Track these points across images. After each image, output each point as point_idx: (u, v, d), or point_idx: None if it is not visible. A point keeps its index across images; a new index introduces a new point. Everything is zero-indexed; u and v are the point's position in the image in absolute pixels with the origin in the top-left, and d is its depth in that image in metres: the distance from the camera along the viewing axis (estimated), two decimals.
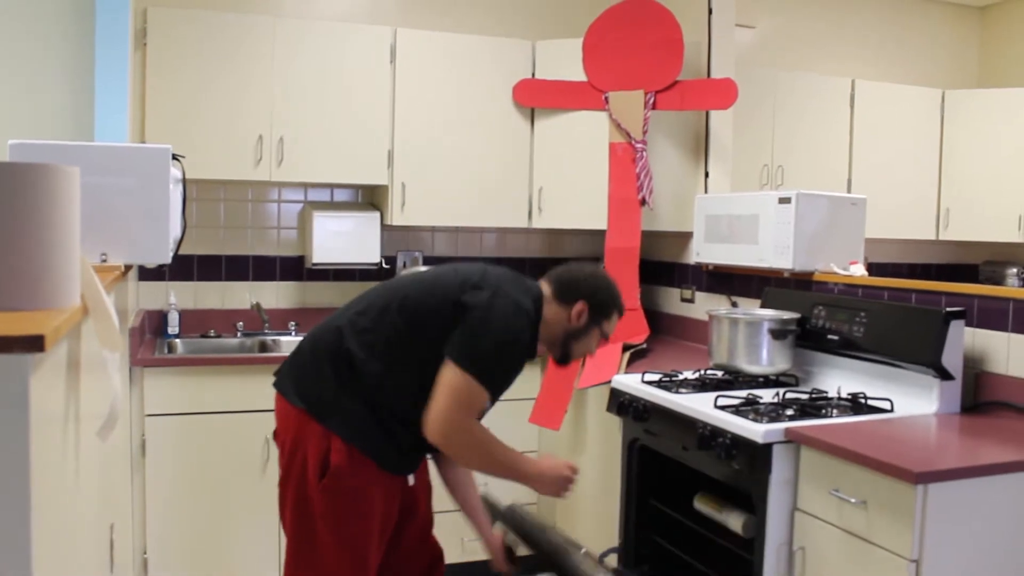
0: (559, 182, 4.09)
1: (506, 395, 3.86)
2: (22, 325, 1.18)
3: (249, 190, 4.14)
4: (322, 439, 2.18)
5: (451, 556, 2.70)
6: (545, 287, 2.36)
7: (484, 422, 2.23)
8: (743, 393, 2.82)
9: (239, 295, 4.14)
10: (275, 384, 2.33)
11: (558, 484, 2.34)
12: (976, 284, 2.94)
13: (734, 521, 2.56)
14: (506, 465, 2.25)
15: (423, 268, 3.50)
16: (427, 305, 2.22)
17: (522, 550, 2.53)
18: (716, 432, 2.56)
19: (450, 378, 2.12)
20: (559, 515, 3.78)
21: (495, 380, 2.17)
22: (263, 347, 4.00)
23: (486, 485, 2.67)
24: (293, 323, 4.13)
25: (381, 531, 2.26)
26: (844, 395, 2.81)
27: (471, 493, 2.58)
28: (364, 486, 2.20)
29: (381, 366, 2.20)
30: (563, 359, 2.40)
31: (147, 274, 3.95)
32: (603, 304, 2.35)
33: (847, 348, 2.91)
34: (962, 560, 2.11)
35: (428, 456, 2.45)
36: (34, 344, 1.13)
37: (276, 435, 2.33)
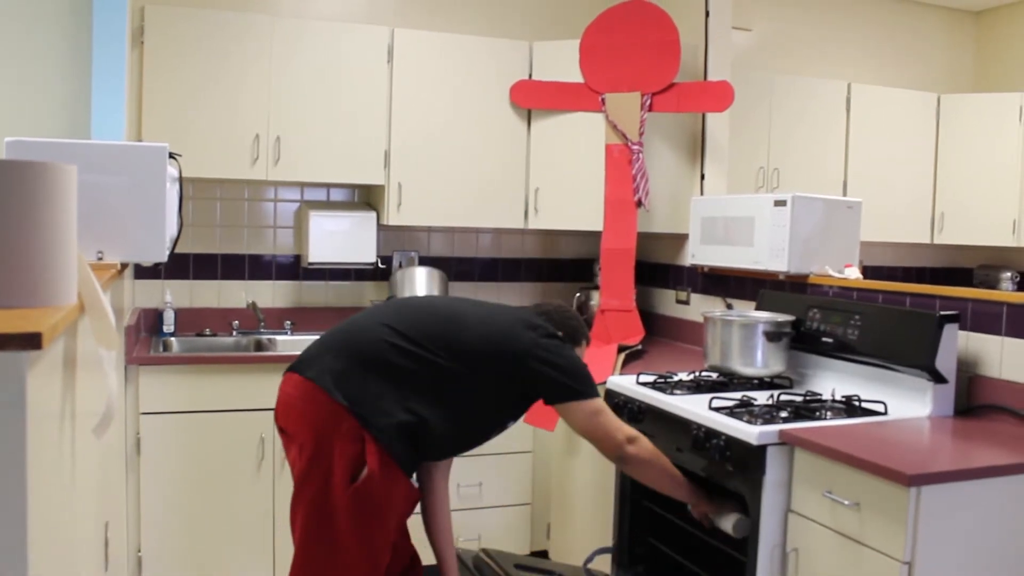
0: (555, 183, 4.10)
1: None
2: (19, 323, 1.18)
3: (245, 189, 4.14)
4: (355, 441, 2.18)
5: (433, 558, 2.71)
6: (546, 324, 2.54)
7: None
8: (738, 395, 2.82)
9: (235, 294, 4.14)
10: (312, 377, 2.27)
11: (700, 510, 2.63)
12: (970, 288, 2.94)
13: (724, 522, 2.56)
14: (676, 479, 2.55)
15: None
16: (487, 353, 2.37)
17: None
18: (710, 434, 2.57)
19: (585, 414, 2.42)
20: (554, 516, 3.79)
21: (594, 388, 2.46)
22: (259, 346, 4.00)
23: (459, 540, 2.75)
24: (289, 322, 4.13)
25: (395, 533, 2.29)
26: (838, 397, 2.82)
27: (444, 518, 2.68)
28: (393, 490, 2.22)
29: (431, 391, 2.31)
30: None
31: (143, 272, 3.95)
32: (574, 329, 2.65)
33: (841, 351, 2.91)
34: (954, 562, 2.12)
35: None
36: (31, 342, 1.13)
37: (289, 431, 2.28)
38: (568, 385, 2.39)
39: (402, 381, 2.26)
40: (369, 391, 2.22)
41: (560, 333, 2.51)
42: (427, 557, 2.67)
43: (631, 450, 2.44)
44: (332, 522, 2.19)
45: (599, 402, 2.43)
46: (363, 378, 2.24)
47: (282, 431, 2.32)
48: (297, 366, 2.32)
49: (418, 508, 2.53)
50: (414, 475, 2.41)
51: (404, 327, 2.32)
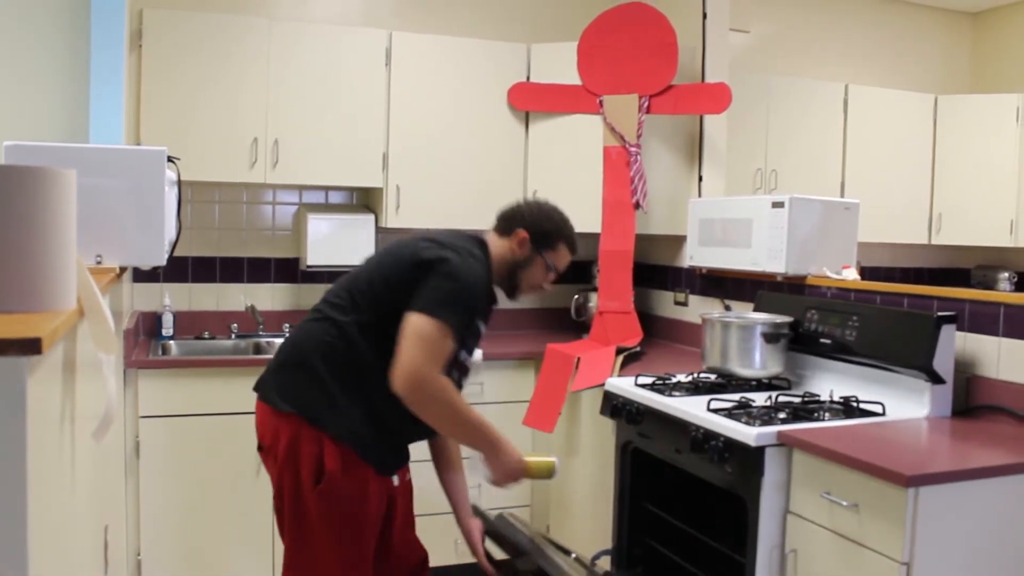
0: (553, 185, 4.10)
1: (500, 397, 3.89)
2: (19, 327, 1.18)
3: (244, 192, 4.15)
4: (314, 442, 2.16)
5: (444, 559, 2.70)
6: (491, 231, 2.40)
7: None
8: (736, 396, 2.83)
9: (233, 297, 4.14)
10: (258, 394, 2.29)
11: (509, 472, 2.30)
12: (968, 288, 2.95)
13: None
14: (472, 425, 2.20)
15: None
16: (394, 277, 2.20)
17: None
18: (709, 435, 2.57)
19: (415, 325, 2.07)
20: (553, 517, 3.79)
21: (460, 321, 2.12)
22: (257, 349, 4.00)
23: (479, 486, 2.66)
24: (287, 325, 4.13)
25: (373, 531, 2.27)
26: (836, 398, 2.82)
27: (459, 480, 2.57)
28: (359, 487, 2.19)
29: (370, 349, 2.19)
30: (511, 292, 2.43)
31: (141, 275, 3.95)
32: (546, 233, 2.38)
33: (839, 352, 2.92)
34: (953, 562, 2.13)
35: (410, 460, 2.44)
36: (31, 347, 1.13)
37: (264, 448, 2.28)
38: (427, 298, 2.11)
39: (340, 366, 2.19)
40: (313, 389, 2.19)
41: (475, 251, 2.26)
42: (445, 558, 2.65)
43: (417, 394, 2.08)
44: (308, 526, 2.19)
45: (438, 330, 2.07)
46: (307, 377, 2.21)
47: (259, 448, 2.32)
48: (256, 386, 2.33)
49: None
50: (396, 470, 2.32)
51: (333, 295, 2.29)
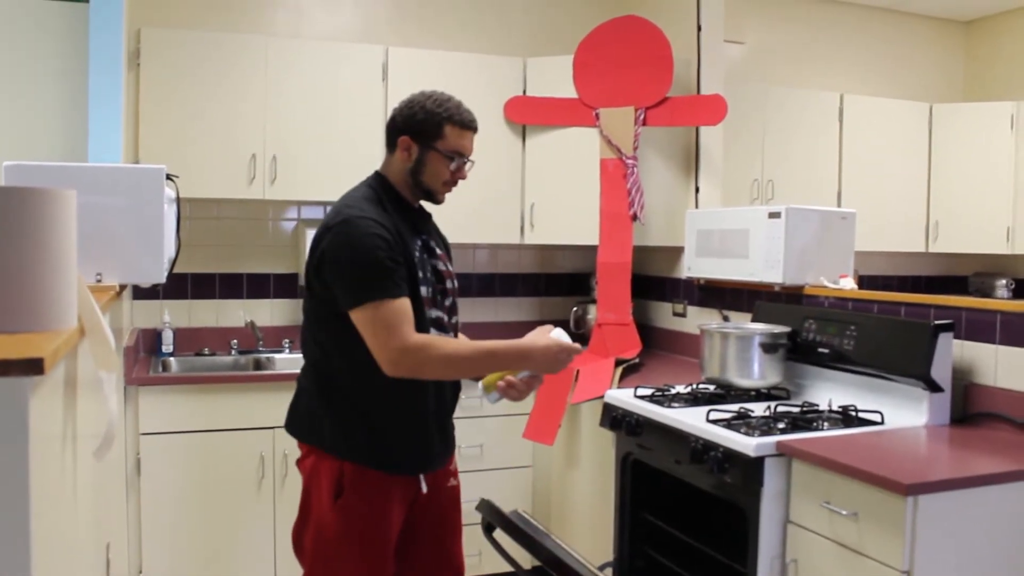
0: (551, 198, 4.12)
1: (500, 411, 3.88)
2: (21, 348, 1.19)
3: (243, 208, 4.16)
4: (326, 460, 2.14)
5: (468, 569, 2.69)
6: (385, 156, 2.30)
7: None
8: (735, 407, 2.84)
9: (233, 313, 4.15)
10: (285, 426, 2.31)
11: (553, 357, 2.14)
12: (965, 296, 2.96)
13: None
14: (481, 354, 2.10)
15: None
16: (309, 281, 2.16)
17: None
18: (708, 446, 2.58)
19: (356, 321, 2.03)
20: (554, 529, 3.79)
21: (384, 284, 2.02)
22: (257, 365, 4.01)
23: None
24: (287, 340, 4.14)
25: (394, 540, 2.21)
26: (835, 408, 2.83)
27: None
28: (378, 501, 2.15)
29: (326, 354, 2.16)
30: (429, 197, 2.28)
31: (141, 292, 3.96)
32: (422, 124, 2.21)
33: (837, 361, 2.93)
34: (952, 570, 2.13)
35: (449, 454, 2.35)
36: (33, 367, 1.14)
37: (298, 461, 2.30)
38: (345, 292, 2.05)
39: (320, 379, 2.16)
40: (312, 404, 2.18)
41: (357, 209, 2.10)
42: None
43: (403, 368, 2.02)
44: (327, 544, 2.15)
45: (377, 310, 2.01)
46: (306, 394, 2.22)
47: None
48: None
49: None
50: (427, 467, 2.24)
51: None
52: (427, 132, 2.22)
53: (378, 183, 2.25)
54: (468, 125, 2.29)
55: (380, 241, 2.05)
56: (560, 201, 4.09)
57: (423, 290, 2.15)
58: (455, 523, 2.39)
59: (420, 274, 2.15)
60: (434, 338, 2.08)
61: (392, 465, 2.16)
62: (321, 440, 2.16)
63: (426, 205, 2.36)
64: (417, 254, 2.18)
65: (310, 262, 2.14)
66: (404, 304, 2.04)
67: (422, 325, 2.12)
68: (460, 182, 2.31)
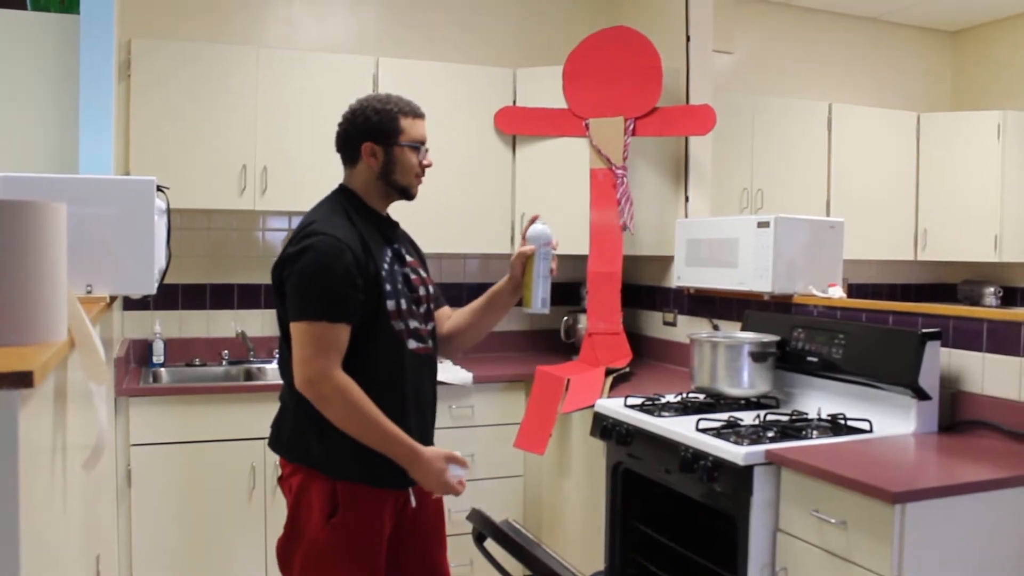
0: (541, 208, 4.12)
1: (490, 420, 3.89)
2: (11, 361, 1.19)
3: (233, 219, 4.16)
4: (316, 479, 2.14)
5: None
6: (345, 172, 2.32)
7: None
8: (724, 416, 2.84)
9: (224, 323, 4.15)
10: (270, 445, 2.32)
11: (435, 480, 2.14)
12: (954, 304, 2.98)
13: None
14: (379, 427, 2.06)
15: None
16: (276, 294, 2.21)
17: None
18: (698, 455, 2.59)
19: (295, 332, 2.07)
20: (544, 538, 3.79)
21: (330, 308, 2.05)
22: (248, 375, 4.00)
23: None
24: (278, 351, 4.12)
25: (385, 554, 2.21)
26: (824, 416, 2.84)
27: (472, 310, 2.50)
28: (371, 517, 2.16)
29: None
30: (404, 194, 2.33)
31: (132, 303, 3.95)
32: (379, 125, 2.22)
33: (826, 370, 2.94)
34: None
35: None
36: (23, 380, 1.14)
37: (280, 478, 2.29)
38: (292, 304, 2.11)
39: (299, 395, 2.14)
40: (297, 428, 2.18)
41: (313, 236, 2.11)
42: None
43: (315, 387, 2.05)
44: (320, 561, 2.14)
45: (315, 329, 2.05)
46: (289, 411, 2.23)
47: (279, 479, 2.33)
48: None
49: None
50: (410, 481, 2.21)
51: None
52: (386, 131, 2.23)
53: (343, 196, 2.29)
54: (419, 113, 2.31)
55: (339, 264, 2.07)
56: (550, 211, 4.08)
57: (390, 304, 2.17)
58: (440, 535, 2.41)
59: (388, 287, 2.17)
60: (356, 388, 2.06)
61: (382, 480, 2.17)
62: (309, 458, 2.16)
63: (403, 212, 2.36)
64: (387, 265, 2.20)
65: (275, 282, 2.19)
66: (343, 333, 2.07)
67: (387, 339, 2.15)
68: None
